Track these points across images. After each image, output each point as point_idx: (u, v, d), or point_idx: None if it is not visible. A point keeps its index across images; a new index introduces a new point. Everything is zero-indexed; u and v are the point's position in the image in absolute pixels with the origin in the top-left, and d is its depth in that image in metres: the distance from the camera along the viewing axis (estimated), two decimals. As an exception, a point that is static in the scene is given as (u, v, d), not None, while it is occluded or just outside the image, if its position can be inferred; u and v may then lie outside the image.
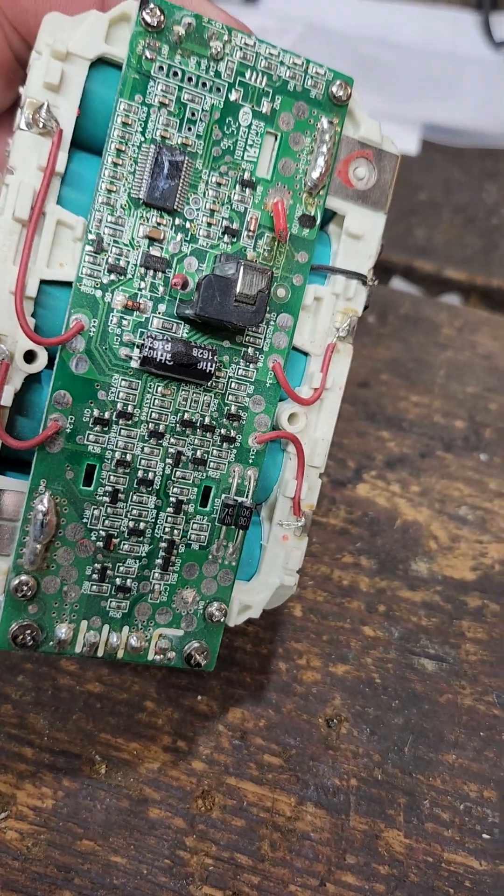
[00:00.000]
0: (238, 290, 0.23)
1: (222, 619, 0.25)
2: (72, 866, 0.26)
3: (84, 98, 0.23)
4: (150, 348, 0.23)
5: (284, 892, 0.26)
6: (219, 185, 0.24)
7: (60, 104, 0.23)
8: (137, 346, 0.23)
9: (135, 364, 0.24)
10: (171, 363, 0.23)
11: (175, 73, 0.23)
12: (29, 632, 0.23)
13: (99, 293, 0.23)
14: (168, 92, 0.23)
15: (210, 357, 0.23)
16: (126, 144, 0.23)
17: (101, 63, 0.23)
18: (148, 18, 0.23)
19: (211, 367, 0.23)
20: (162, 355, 0.23)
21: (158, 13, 0.23)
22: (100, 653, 0.24)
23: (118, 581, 0.24)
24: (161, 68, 0.23)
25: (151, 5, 0.23)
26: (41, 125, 0.22)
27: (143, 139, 0.23)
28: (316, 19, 0.50)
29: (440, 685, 0.31)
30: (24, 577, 0.23)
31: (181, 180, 0.24)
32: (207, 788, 0.28)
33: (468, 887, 0.27)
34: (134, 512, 0.24)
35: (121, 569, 0.24)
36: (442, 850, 0.28)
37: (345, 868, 0.27)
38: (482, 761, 0.29)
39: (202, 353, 0.23)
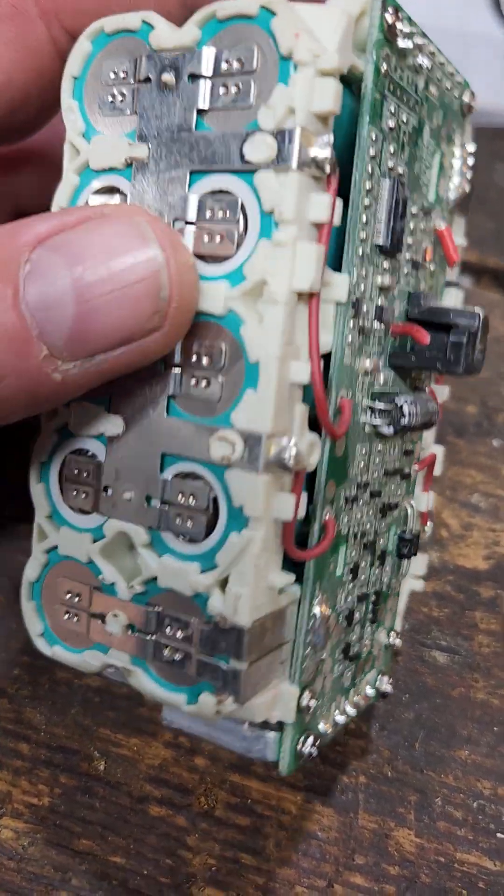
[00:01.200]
0: (480, 340, 0.21)
1: (397, 643, 0.25)
2: (69, 866, 0.25)
3: None
4: (408, 414, 0.21)
5: (291, 894, 0.25)
6: (414, 216, 0.21)
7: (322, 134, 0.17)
8: (375, 412, 0.21)
9: (385, 430, 0.21)
10: (419, 425, 0.21)
11: (397, 91, 0.19)
12: (313, 744, 0.20)
13: (352, 361, 0.20)
14: (395, 114, 0.20)
15: (437, 409, 0.22)
16: (372, 181, 0.19)
17: None
18: (391, 21, 0.18)
19: (437, 417, 0.22)
20: (414, 420, 0.21)
21: (400, 17, 0.18)
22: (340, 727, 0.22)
23: (352, 651, 0.22)
24: (391, 85, 0.19)
25: (392, 7, 0.18)
26: (318, 166, 0.17)
27: (379, 173, 0.19)
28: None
29: (452, 678, 0.30)
30: (308, 693, 0.20)
31: (407, 218, 0.21)
32: (210, 786, 0.27)
33: (482, 888, 0.26)
34: (362, 578, 0.22)
35: (354, 638, 0.22)
36: (454, 849, 0.26)
37: (353, 868, 0.26)
38: (496, 757, 0.28)
39: (432, 405, 0.22)
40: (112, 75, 0.19)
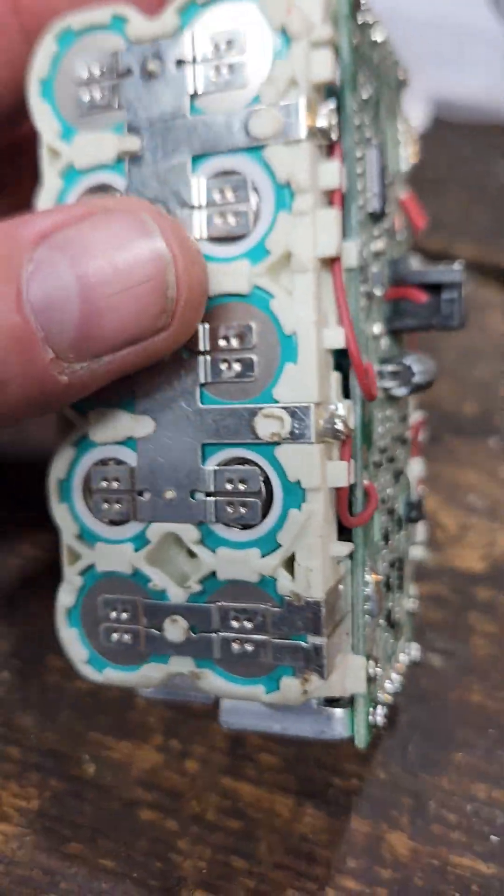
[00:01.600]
0: (463, 294, 0.21)
1: (417, 610, 0.25)
2: (58, 870, 0.25)
3: None
4: (418, 372, 0.21)
5: (281, 898, 0.25)
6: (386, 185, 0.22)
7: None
8: (385, 374, 0.21)
9: (398, 392, 0.21)
10: (426, 383, 0.21)
11: (363, 64, 0.19)
12: (382, 714, 0.21)
13: (364, 326, 0.20)
14: (365, 86, 0.19)
15: (434, 367, 0.22)
16: (359, 149, 0.19)
17: None
18: None
19: (435, 376, 0.22)
20: (423, 378, 0.21)
21: None
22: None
23: (393, 618, 0.22)
24: (360, 58, 0.19)
25: None
26: (324, 134, 0.18)
27: (363, 142, 0.20)
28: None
29: (448, 681, 0.29)
30: (372, 661, 0.20)
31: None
32: (201, 789, 0.26)
33: (475, 891, 0.26)
34: (390, 544, 0.22)
35: (392, 605, 0.22)
36: (448, 853, 0.26)
37: (346, 872, 0.26)
38: (491, 761, 0.28)
39: (430, 363, 0.22)
40: (86, 73, 0.19)
